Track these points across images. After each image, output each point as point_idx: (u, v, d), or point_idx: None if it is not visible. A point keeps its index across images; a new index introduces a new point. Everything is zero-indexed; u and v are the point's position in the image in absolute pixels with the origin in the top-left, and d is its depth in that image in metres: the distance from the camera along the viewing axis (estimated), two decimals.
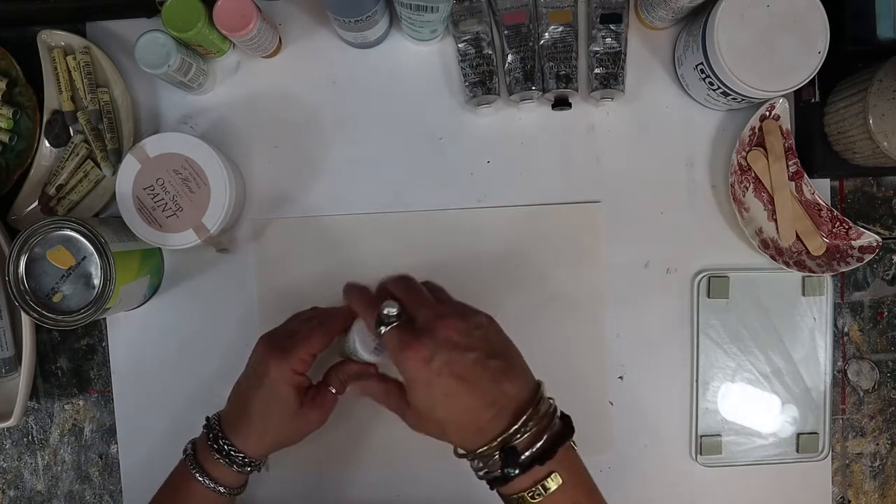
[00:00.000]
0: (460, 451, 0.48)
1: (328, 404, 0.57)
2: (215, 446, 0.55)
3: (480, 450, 0.45)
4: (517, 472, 0.43)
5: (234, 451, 0.55)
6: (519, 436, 0.44)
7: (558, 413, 0.47)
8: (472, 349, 0.45)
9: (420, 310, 0.48)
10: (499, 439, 0.44)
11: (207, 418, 0.58)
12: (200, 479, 0.55)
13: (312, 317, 0.59)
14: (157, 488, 0.58)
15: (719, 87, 0.59)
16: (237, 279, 0.65)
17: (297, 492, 0.67)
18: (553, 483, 0.44)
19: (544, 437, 0.44)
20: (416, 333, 0.46)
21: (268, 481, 0.67)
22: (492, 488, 0.47)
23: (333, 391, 0.57)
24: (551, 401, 0.47)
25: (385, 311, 0.47)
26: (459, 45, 0.63)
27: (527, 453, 0.44)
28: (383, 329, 0.47)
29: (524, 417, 0.44)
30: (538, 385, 0.47)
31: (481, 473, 0.46)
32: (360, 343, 0.54)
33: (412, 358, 0.45)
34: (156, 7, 0.58)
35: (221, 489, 0.55)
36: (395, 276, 0.53)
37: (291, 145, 0.65)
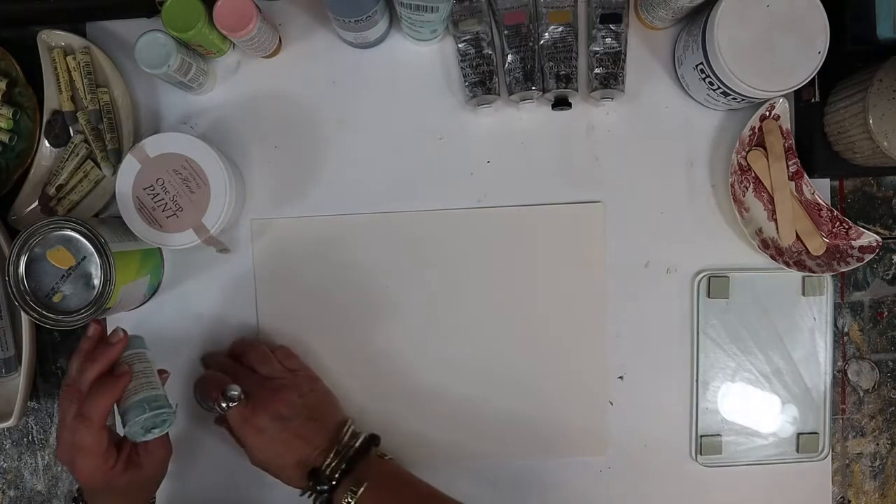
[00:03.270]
0: (297, 489, 0.59)
1: (159, 443, 0.56)
2: None
3: (303, 485, 0.58)
4: (326, 487, 0.56)
5: None
6: (327, 463, 0.57)
7: (360, 437, 0.59)
8: (294, 418, 0.57)
9: (257, 388, 0.58)
10: (308, 471, 0.57)
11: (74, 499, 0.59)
12: None
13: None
14: None
15: (719, 87, 0.59)
16: (237, 279, 0.65)
17: (296, 491, 0.66)
18: (360, 488, 0.55)
19: (347, 459, 0.57)
20: (254, 408, 0.57)
21: (268, 481, 0.66)
22: None
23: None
24: (353, 429, 0.60)
25: (230, 394, 0.55)
26: (459, 45, 0.63)
27: (333, 473, 0.57)
28: (226, 405, 0.55)
29: (331, 451, 0.58)
30: (342, 423, 0.60)
31: (311, 500, 0.57)
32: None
33: (250, 431, 0.57)
34: (156, 7, 0.58)
35: None
36: (247, 344, 0.63)
37: (291, 145, 0.65)
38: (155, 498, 0.61)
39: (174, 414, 0.55)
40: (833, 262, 0.64)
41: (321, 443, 0.58)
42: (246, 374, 0.60)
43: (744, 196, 0.65)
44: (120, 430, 0.55)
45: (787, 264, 0.64)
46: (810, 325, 0.67)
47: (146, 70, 0.56)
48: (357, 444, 0.58)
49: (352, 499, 0.54)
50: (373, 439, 0.60)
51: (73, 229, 0.53)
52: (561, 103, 0.63)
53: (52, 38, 0.61)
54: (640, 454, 0.67)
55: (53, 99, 0.62)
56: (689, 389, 0.67)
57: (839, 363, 0.68)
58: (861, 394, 0.69)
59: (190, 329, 0.66)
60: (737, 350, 0.67)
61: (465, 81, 0.63)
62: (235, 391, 0.55)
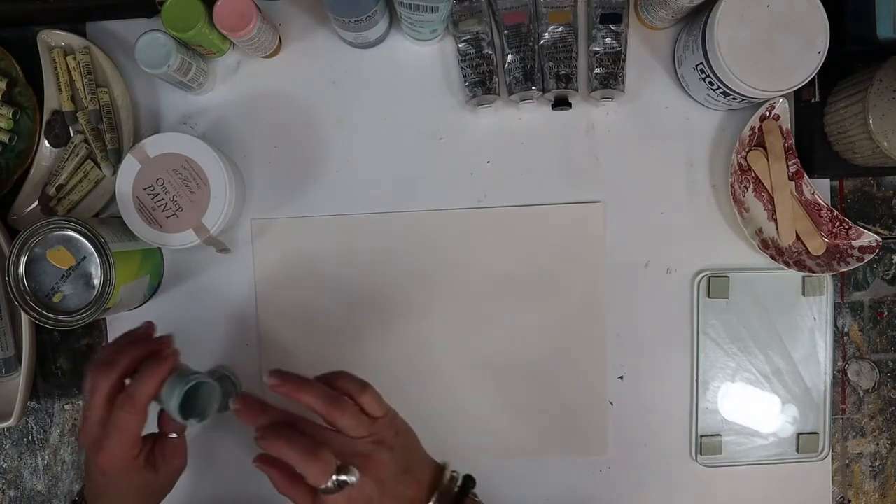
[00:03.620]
0: None
1: (178, 449, 0.56)
2: None
3: None
4: None
5: None
6: None
7: (459, 480, 0.54)
8: (389, 478, 0.51)
9: (353, 455, 0.50)
10: None
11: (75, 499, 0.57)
12: None
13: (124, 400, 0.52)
14: None
15: (719, 87, 0.59)
16: (237, 279, 0.65)
17: None
18: None
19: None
20: (361, 488, 0.49)
21: (267, 481, 0.66)
22: None
23: (175, 436, 0.56)
24: (454, 473, 0.54)
25: (349, 479, 0.48)
26: (459, 45, 0.63)
27: None
28: (335, 486, 0.48)
29: (431, 499, 0.52)
30: (436, 468, 0.54)
31: None
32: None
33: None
34: (156, 7, 0.58)
35: None
36: (337, 403, 0.51)
37: (291, 145, 0.65)
38: None
39: (217, 390, 0.52)
40: (833, 262, 0.64)
41: (421, 495, 0.52)
42: (334, 438, 0.51)
43: (744, 196, 0.65)
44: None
45: (787, 264, 0.64)
46: (810, 325, 0.67)
47: (146, 70, 0.56)
48: (456, 489, 0.53)
49: None
50: (470, 480, 0.54)
51: (73, 229, 0.53)
52: (561, 103, 0.63)
53: (52, 38, 0.61)
54: (640, 454, 0.67)
55: (53, 99, 0.62)
56: (689, 389, 0.67)
57: (839, 363, 0.68)
58: (861, 394, 0.69)
59: (190, 329, 0.66)
60: (737, 350, 0.67)
61: (465, 81, 0.63)
62: (354, 476, 0.48)
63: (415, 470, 0.53)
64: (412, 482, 0.52)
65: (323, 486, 0.48)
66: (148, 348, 0.53)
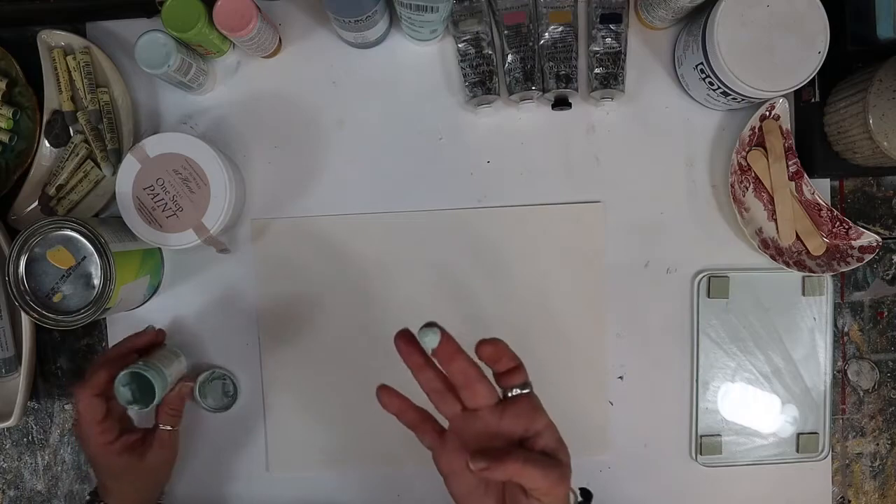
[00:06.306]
0: None
1: (167, 442, 0.59)
2: None
3: None
4: None
5: None
6: None
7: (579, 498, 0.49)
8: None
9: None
10: None
11: (89, 497, 0.60)
12: None
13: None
14: None
15: (719, 87, 0.59)
16: (237, 279, 0.65)
17: (296, 492, 0.67)
18: None
19: None
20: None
21: (268, 481, 0.67)
22: None
23: (169, 428, 0.60)
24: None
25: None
26: (459, 45, 0.63)
27: None
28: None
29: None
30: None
31: None
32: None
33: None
34: (156, 7, 0.58)
35: None
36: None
37: (291, 145, 0.65)
38: (163, 496, 0.63)
39: (161, 378, 0.57)
40: (833, 262, 0.64)
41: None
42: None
43: (744, 196, 0.65)
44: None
45: (787, 264, 0.64)
46: (810, 325, 0.67)
47: (146, 70, 0.56)
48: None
49: None
50: (588, 496, 0.50)
51: (73, 229, 0.53)
52: (561, 103, 0.63)
53: (52, 38, 0.61)
54: (640, 454, 0.67)
55: (53, 99, 0.62)
56: (689, 389, 0.67)
57: (839, 363, 0.68)
58: (861, 394, 0.69)
59: (190, 329, 0.66)
60: (737, 350, 0.67)
61: (465, 81, 0.63)
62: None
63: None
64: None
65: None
66: (128, 343, 0.59)
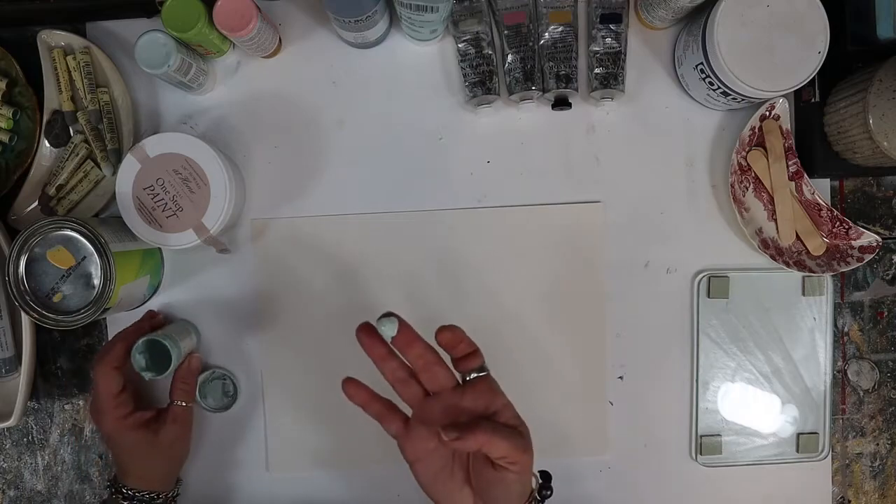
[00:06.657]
0: None
1: (180, 417, 0.61)
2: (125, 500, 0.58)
3: None
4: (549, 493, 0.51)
5: (141, 493, 0.58)
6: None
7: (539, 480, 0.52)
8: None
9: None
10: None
11: (109, 483, 0.60)
12: None
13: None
14: None
15: (719, 87, 0.59)
16: (237, 279, 0.65)
17: (296, 492, 0.67)
18: None
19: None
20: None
21: (268, 481, 0.67)
22: None
23: (183, 404, 0.61)
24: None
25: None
26: (459, 45, 0.63)
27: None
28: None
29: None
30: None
31: None
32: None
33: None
34: (156, 7, 0.58)
35: None
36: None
37: (291, 145, 0.65)
38: (180, 479, 0.64)
39: (176, 348, 0.58)
40: (833, 262, 0.64)
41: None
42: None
43: (744, 196, 0.65)
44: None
45: (787, 264, 0.64)
46: (810, 325, 0.67)
47: (146, 70, 0.56)
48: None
49: None
50: (548, 477, 0.53)
51: (73, 229, 0.53)
52: (561, 103, 0.63)
53: (52, 38, 0.61)
54: (640, 454, 0.67)
55: (53, 99, 0.62)
56: (689, 389, 0.67)
57: (839, 363, 0.68)
58: (861, 394, 0.69)
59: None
60: (737, 350, 0.67)
61: (465, 81, 0.63)
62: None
63: None
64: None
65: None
66: (144, 322, 0.62)
